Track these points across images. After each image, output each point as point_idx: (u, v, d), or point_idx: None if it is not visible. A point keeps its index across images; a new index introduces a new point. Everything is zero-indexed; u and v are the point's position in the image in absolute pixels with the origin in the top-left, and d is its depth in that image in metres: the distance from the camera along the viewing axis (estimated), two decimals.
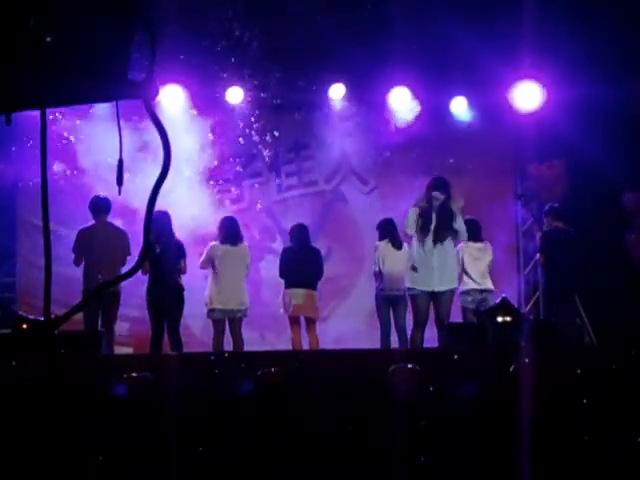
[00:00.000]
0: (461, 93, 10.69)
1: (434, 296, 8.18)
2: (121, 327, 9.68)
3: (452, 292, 8.32)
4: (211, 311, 9.16)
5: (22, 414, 5.14)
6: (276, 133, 11.17)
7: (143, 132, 8.38)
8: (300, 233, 9.49)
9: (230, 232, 9.26)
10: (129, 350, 10.24)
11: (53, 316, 2.02)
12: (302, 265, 9.24)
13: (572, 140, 9.58)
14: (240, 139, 10.94)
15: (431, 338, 8.51)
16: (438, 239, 8.16)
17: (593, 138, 9.07)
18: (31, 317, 6.70)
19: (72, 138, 10.24)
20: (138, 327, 10.16)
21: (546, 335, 7.16)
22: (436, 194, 8.20)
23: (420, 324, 8.27)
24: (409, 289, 8.36)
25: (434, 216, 8.18)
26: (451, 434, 5.50)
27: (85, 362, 5.99)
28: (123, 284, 8.42)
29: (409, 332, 8.70)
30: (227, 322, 9.15)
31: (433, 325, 8.42)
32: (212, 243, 9.29)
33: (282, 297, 9.32)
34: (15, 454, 5.03)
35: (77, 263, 8.75)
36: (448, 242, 8.27)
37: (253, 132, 10.96)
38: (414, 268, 8.15)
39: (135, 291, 9.08)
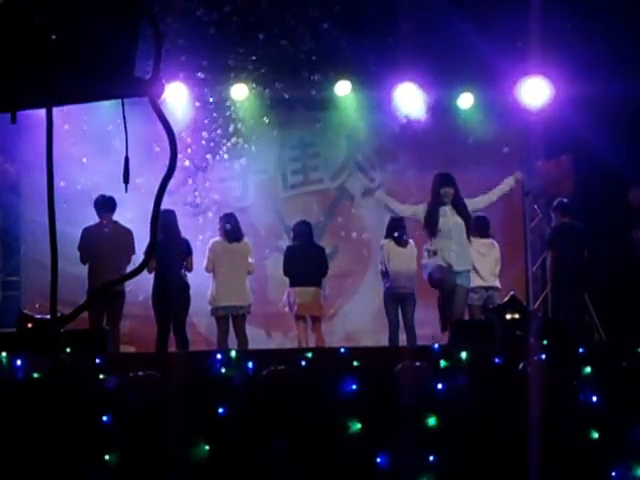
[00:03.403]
0: (468, 89, 10.64)
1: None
2: (122, 325, 9.63)
3: (466, 288, 8.29)
4: (214, 309, 9.16)
5: (26, 413, 5.13)
6: (281, 130, 11.13)
7: None
8: (303, 230, 9.47)
9: (230, 229, 9.23)
10: (131, 348, 10.19)
11: (59, 315, 2.00)
12: (306, 263, 9.24)
13: (580, 136, 9.54)
14: (245, 136, 10.90)
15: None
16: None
17: (601, 134, 9.03)
18: (37, 316, 6.68)
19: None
20: (140, 325, 10.12)
21: (555, 332, 7.11)
22: (446, 190, 8.11)
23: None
24: (425, 266, 8.23)
25: (449, 213, 8.10)
26: (459, 433, 5.49)
27: (91, 360, 5.97)
28: (127, 282, 8.39)
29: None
30: (231, 320, 9.14)
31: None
32: (212, 241, 9.29)
33: (286, 296, 9.36)
34: (17, 452, 5.03)
35: (84, 261, 8.73)
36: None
37: (258, 129, 10.91)
38: (434, 252, 8.06)
39: (137, 289, 9.04)
